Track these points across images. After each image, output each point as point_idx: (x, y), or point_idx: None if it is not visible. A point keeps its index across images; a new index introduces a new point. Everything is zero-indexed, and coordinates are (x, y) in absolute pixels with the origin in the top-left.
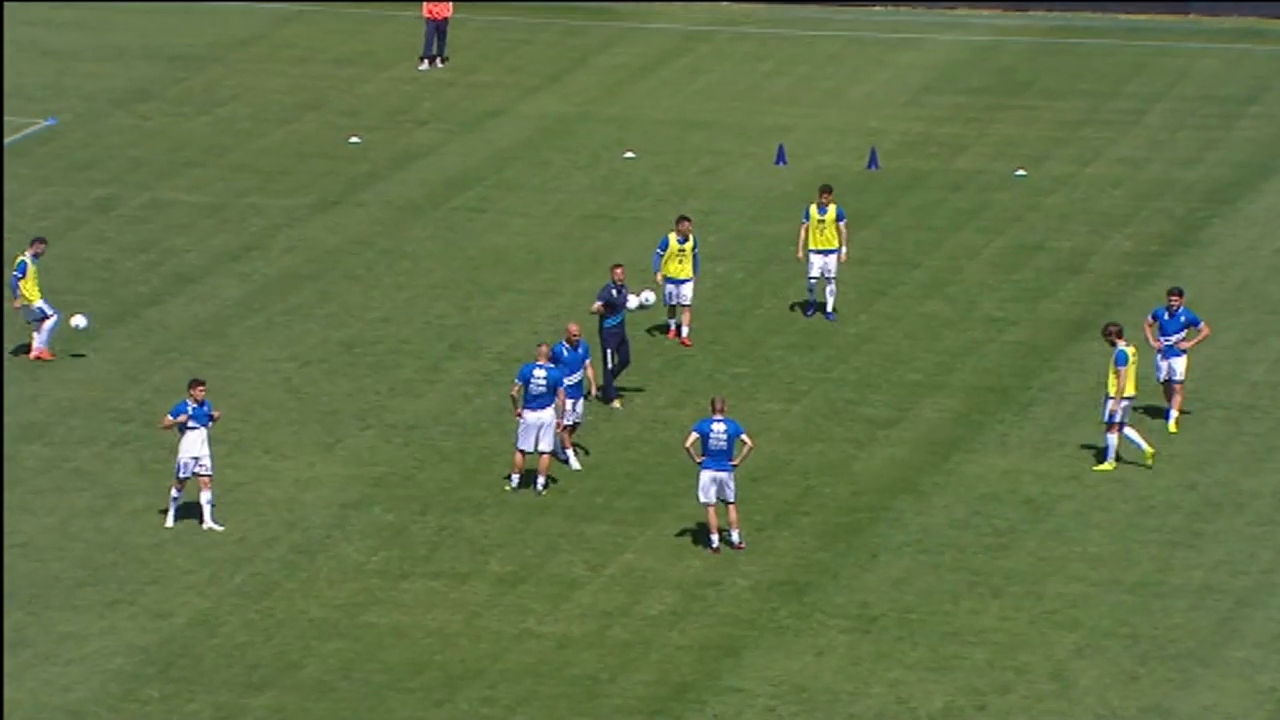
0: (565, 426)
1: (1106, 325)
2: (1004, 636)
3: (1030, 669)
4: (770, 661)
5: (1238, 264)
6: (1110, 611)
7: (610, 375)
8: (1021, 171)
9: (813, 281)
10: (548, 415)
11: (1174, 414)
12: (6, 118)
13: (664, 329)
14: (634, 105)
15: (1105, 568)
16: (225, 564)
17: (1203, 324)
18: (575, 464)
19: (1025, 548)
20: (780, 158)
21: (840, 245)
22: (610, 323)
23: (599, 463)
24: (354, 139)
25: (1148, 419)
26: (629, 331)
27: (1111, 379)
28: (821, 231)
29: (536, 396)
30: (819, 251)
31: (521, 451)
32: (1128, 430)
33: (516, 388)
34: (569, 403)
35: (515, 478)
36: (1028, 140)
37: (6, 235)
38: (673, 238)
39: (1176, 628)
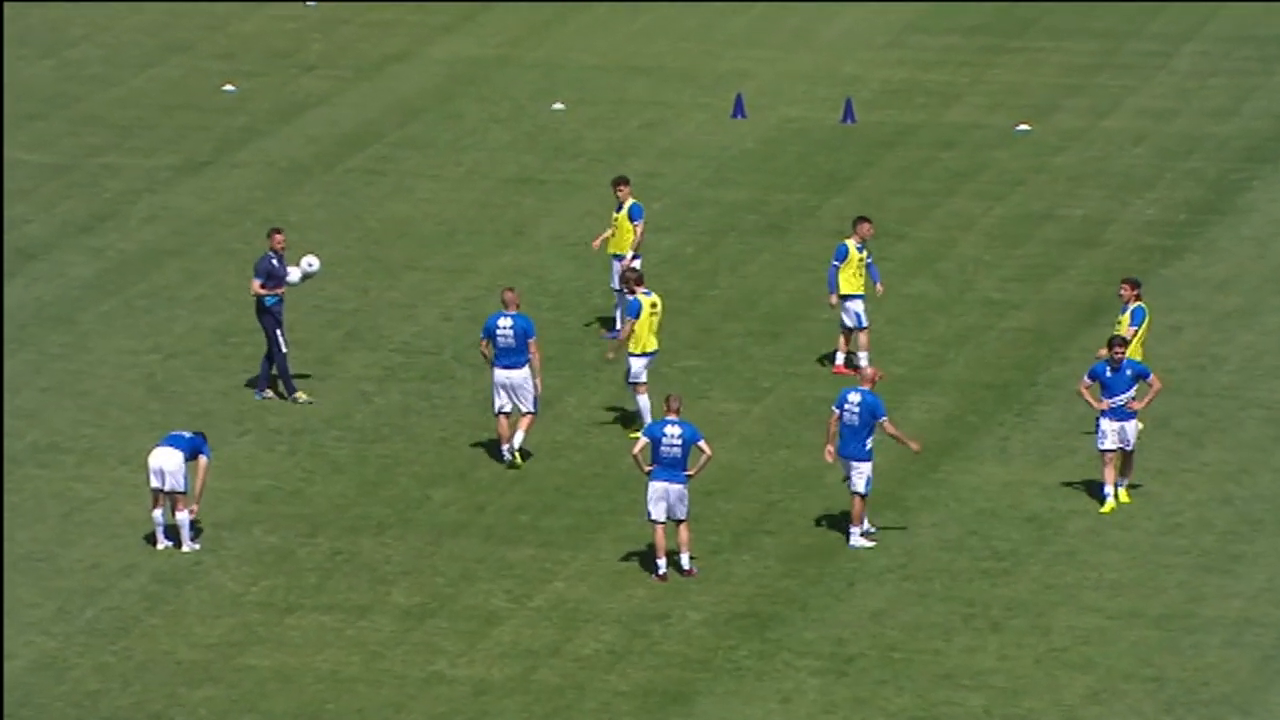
0: (857, 494)
1: (624, 270)
2: (1004, 679)
3: (1036, 717)
4: (727, 709)
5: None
6: (1130, 649)
7: (285, 361)
8: (1024, 126)
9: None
10: (519, 375)
11: (1124, 482)
12: None
13: (830, 359)
14: (563, 47)
15: (1124, 597)
16: (75, 596)
17: (1153, 376)
18: (865, 541)
19: (1030, 573)
20: (738, 110)
21: (627, 250)
22: (273, 301)
23: (522, 474)
24: (228, 87)
25: (1086, 496)
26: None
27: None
28: (616, 234)
29: (505, 350)
30: (616, 257)
31: (501, 415)
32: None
33: (484, 343)
34: (857, 465)
35: (505, 449)
36: (1032, 89)
37: None
38: (851, 245)
39: (1209, 668)
